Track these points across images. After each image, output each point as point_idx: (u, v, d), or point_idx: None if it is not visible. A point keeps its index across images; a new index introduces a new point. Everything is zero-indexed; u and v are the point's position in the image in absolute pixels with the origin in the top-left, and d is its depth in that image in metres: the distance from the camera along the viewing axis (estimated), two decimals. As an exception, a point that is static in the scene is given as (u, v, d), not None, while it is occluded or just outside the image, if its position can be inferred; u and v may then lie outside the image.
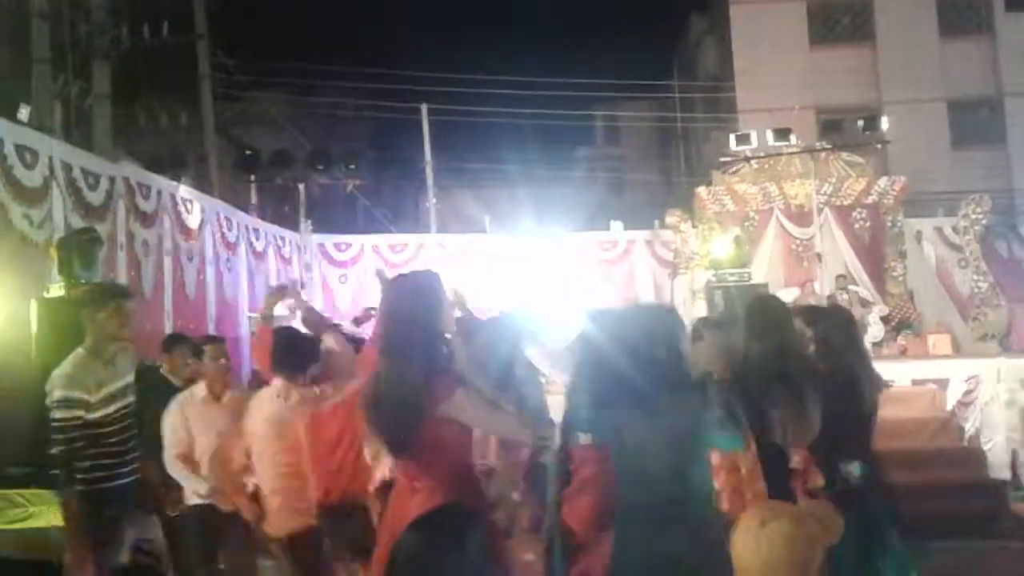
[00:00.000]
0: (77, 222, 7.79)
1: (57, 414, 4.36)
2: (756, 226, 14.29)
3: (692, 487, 2.89)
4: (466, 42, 39.97)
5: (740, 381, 3.69)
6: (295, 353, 4.79)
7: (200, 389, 5.30)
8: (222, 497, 5.00)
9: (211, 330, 10.90)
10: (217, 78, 16.04)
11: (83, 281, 6.53)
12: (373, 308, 10.83)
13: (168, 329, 9.72)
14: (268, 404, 4.70)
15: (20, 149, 7.15)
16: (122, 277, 8.70)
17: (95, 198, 8.21)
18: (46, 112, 10.00)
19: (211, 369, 5.33)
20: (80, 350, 4.60)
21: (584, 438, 3.30)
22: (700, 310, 11.46)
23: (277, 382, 4.75)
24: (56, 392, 4.40)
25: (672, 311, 3.40)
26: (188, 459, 5.15)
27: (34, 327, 6.34)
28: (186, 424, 5.17)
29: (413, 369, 2.98)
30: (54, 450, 4.35)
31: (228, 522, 5.03)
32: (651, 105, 27.36)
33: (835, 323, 4.23)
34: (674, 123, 26.44)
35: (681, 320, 3.22)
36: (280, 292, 5.86)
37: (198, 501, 5.15)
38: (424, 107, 19.19)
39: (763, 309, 4.10)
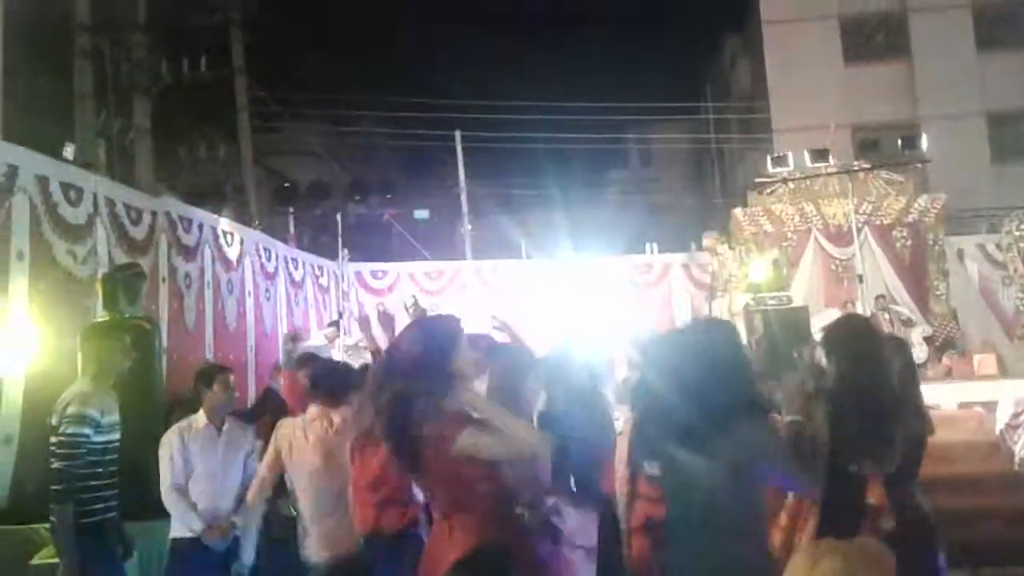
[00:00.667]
0: (121, 257, 7.94)
1: (69, 428, 4.43)
2: (794, 247, 14.15)
3: (742, 521, 2.87)
4: (498, 68, 40.25)
5: (826, 404, 3.56)
6: (334, 383, 4.84)
7: (200, 419, 5.16)
8: (214, 533, 4.94)
9: (251, 360, 11.04)
10: (254, 111, 16.34)
11: (127, 316, 6.65)
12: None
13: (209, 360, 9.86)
14: (312, 431, 4.73)
15: (65, 187, 7.32)
16: (164, 310, 8.84)
17: (138, 233, 8.37)
18: (90, 148, 10.26)
19: (219, 399, 5.19)
20: (85, 378, 4.69)
21: (649, 467, 3.28)
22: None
23: (312, 409, 4.79)
24: (71, 408, 4.47)
25: (727, 325, 3.35)
26: (184, 490, 5.02)
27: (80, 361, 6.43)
28: (185, 453, 5.04)
29: (413, 411, 2.98)
30: (59, 464, 4.39)
31: (215, 559, 4.98)
32: (685, 126, 27.34)
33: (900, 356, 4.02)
34: (708, 144, 26.38)
35: (737, 335, 3.18)
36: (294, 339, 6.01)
37: (188, 534, 5.00)
38: (458, 134, 19.38)
39: (852, 331, 3.86)
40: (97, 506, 4.55)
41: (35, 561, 5.83)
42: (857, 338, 3.69)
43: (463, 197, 19.55)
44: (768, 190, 14.51)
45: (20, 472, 6.50)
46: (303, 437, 4.76)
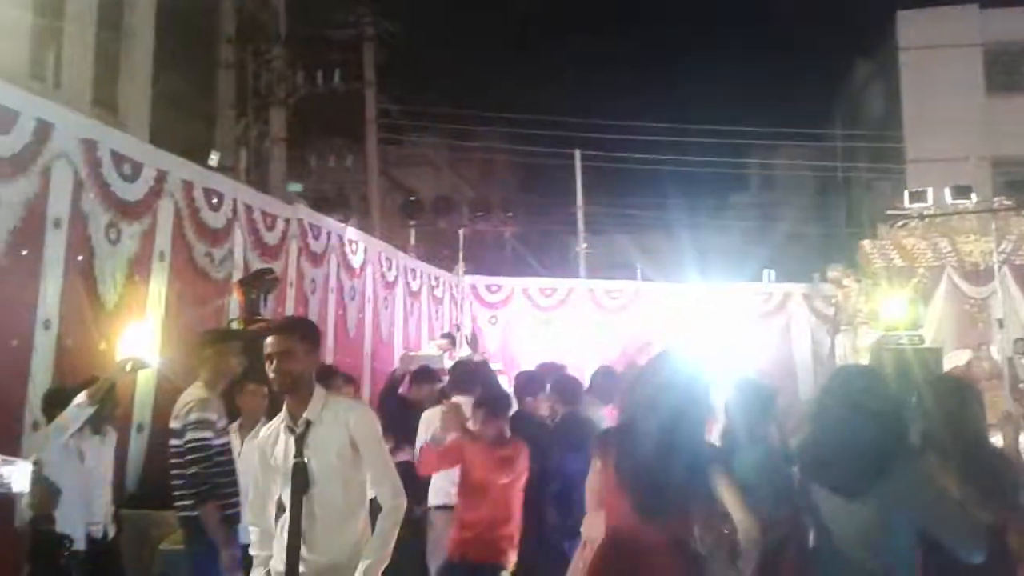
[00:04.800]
0: (254, 261, 8.24)
1: (197, 434, 4.59)
2: (926, 283, 13.50)
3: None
4: (621, 88, 40.16)
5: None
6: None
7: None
8: None
9: (367, 366, 11.25)
10: (382, 123, 16.76)
11: (258, 318, 6.89)
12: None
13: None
14: None
15: (208, 192, 7.66)
16: (291, 313, 9.11)
17: (271, 238, 8.68)
18: (230, 154, 10.73)
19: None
20: (200, 384, 4.81)
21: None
22: (864, 371, 10.90)
23: None
24: (193, 414, 4.62)
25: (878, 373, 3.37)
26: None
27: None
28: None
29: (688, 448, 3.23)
30: (194, 469, 4.55)
31: None
32: (811, 152, 26.55)
33: None
34: (835, 172, 25.54)
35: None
36: None
37: None
38: (578, 153, 19.37)
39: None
40: (225, 501, 4.72)
41: (163, 546, 6.08)
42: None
43: (579, 216, 19.53)
44: (899, 223, 13.91)
45: (150, 458, 6.78)
46: None
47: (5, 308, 5.61)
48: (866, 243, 14.00)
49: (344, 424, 3.49)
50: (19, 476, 3.94)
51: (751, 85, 39.28)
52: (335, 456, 3.45)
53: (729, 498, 3.19)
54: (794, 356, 14.08)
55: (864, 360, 11.10)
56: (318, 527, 3.43)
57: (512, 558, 5.07)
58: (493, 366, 11.71)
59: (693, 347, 4.82)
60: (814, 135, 25.59)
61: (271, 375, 3.52)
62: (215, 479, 4.63)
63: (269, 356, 3.52)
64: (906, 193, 13.58)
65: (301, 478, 3.43)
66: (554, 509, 5.26)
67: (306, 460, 3.44)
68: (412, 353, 12.15)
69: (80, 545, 4.76)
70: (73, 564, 4.64)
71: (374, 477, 3.54)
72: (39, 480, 4.20)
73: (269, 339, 3.55)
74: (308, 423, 3.49)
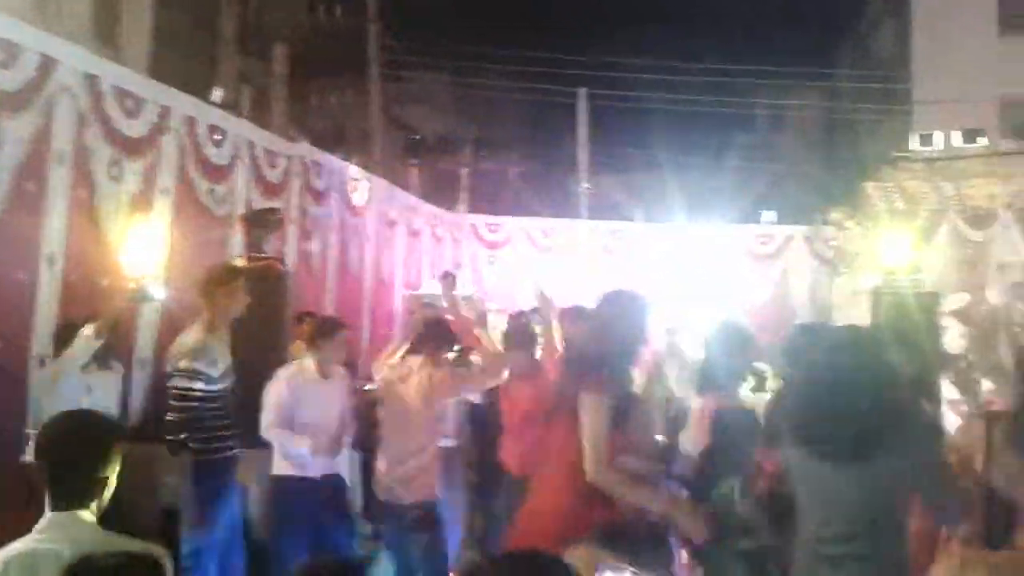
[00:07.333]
0: (257, 198, 8.27)
1: (181, 383, 4.67)
2: (927, 227, 13.46)
3: (878, 530, 2.81)
4: (624, 26, 39.39)
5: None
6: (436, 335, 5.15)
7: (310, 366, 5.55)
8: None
9: (367, 306, 11.33)
10: (384, 60, 16.56)
11: (261, 255, 6.93)
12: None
13: (329, 303, 10.19)
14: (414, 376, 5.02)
15: (211, 129, 7.65)
16: (292, 251, 9.16)
17: (274, 176, 8.69)
18: (232, 92, 10.68)
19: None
20: (199, 327, 4.83)
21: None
22: (862, 314, 10.96)
23: (416, 360, 5.07)
24: (183, 362, 4.67)
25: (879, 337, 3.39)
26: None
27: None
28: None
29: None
30: (171, 416, 4.65)
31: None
32: (817, 92, 26.21)
33: None
34: (842, 112, 25.29)
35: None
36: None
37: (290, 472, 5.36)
38: (583, 91, 19.13)
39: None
40: (213, 445, 4.82)
41: (167, 479, 6.23)
42: None
43: (582, 156, 19.33)
44: (904, 165, 13.82)
45: (153, 392, 6.88)
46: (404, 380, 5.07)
47: (11, 243, 5.66)
48: (869, 185, 13.91)
49: None
50: None
51: (757, 23, 38.45)
52: None
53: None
54: (791, 300, 14.10)
55: (864, 304, 11.14)
56: None
57: None
58: (490, 306, 11.80)
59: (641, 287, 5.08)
60: (819, 74, 25.26)
61: None
62: (198, 422, 4.71)
63: None
64: (918, 136, 13.46)
65: None
66: None
67: None
68: (414, 292, 12.25)
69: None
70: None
71: None
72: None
73: None
74: None
